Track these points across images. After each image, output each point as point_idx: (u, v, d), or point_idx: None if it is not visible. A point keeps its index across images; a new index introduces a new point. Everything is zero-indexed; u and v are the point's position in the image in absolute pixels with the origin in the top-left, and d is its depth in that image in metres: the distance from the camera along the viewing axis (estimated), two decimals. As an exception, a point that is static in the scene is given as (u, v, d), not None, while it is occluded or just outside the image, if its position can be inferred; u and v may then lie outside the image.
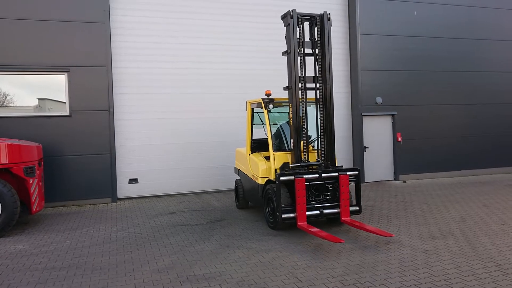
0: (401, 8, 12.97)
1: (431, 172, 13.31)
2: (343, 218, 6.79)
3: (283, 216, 6.61)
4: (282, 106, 8.07)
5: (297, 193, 6.58)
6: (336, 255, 5.73)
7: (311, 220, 6.86)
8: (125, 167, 10.70)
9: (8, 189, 7.13)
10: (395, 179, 13.02)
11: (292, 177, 6.66)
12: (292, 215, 6.66)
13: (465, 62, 13.70)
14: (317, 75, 7.30)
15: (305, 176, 6.70)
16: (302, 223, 6.60)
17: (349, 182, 7.35)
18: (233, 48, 11.55)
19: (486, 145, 14.00)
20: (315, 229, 6.35)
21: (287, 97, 7.38)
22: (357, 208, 7.13)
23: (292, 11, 7.09)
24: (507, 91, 14.25)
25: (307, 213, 6.69)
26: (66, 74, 10.01)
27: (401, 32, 12.98)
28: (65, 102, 10.07)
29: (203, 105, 11.33)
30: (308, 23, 7.38)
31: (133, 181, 10.80)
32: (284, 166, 7.09)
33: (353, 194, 7.37)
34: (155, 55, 10.94)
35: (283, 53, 7.39)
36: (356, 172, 7.16)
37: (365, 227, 6.52)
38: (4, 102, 9.83)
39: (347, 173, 7.06)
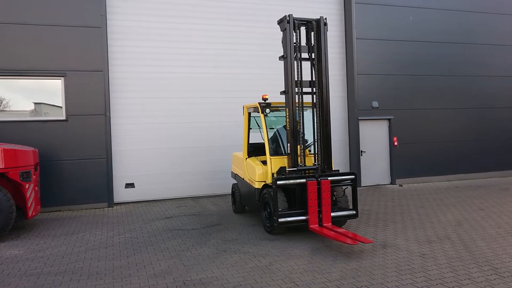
0: (397, 13, 13.06)
1: (427, 176, 13.35)
2: (324, 224, 6.73)
3: (280, 220, 6.61)
4: (279, 110, 8.09)
5: (309, 196, 6.60)
6: (333, 259, 5.73)
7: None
8: (121, 172, 10.68)
9: (4, 193, 7.10)
10: (391, 183, 13.05)
11: (303, 180, 6.71)
12: (289, 219, 6.67)
13: (461, 67, 13.79)
14: (314, 79, 7.33)
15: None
16: (314, 226, 6.62)
17: (346, 186, 7.38)
18: (230, 53, 11.57)
19: (482, 149, 14.07)
20: (326, 231, 6.36)
21: (284, 101, 7.40)
22: (354, 212, 7.13)
23: (289, 16, 7.12)
24: (502, 95, 14.34)
25: (303, 217, 6.71)
26: (62, 78, 10.00)
27: (397, 37, 13.06)
28: (61, 107, 10.06)
29: (200, 110, 11.34)
30: (304, 27, 7.41)
31: (129, 185, 10.77)
32: (281, 170, 7.09)
33: (350, 198, 7.38)
34: (152, 60, 10.95)
35: (280, 58, 7.41)
36: (353, 176, 7.17)
37: (348, 234, 6.35)
38: (0, 106, 9.80)
39: (344, 177, 7.10)
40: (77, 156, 10.05)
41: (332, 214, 6.86)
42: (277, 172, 7.17)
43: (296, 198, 7.05)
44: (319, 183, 6.75)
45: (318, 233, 6.52)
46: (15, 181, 7.43)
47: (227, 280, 5.06)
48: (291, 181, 6.77)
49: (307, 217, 6.67)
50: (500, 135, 14.33)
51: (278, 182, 6.65)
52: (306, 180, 6.68)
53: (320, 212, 6.75)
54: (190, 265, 5.64)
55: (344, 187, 7.44)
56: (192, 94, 11.28)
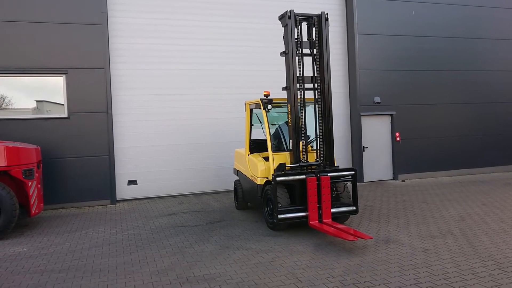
0: (399, 7, 13.00)
1: (430, 171, 13.33)
2: (324, 220, 6.73)
3: (280, 216, 6.60)
4: (281, 106, 8.07)
5: (309, 192, 6.61)
6: (335, 255, 5.73)
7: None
8: (124, 169, 10.69)
9: (7, 191, 7.11)
10: (394, 178, 13.03)
11: (302, 176, 6.71)
12: (289, 215, 6.67)
13: (463, 61, 13.73)
14: (315, 75, 7.31)
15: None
16: (314, 222, 6.62)
17: (346, 182, 7.37)
18: (232, 49, 11.55)
19: (485, 144, 14.03)
20: (326, 227, 6.36)
21: (286, 97, 7.38)
22: (354, 208, 7.12)
23: (290, 11, 7.09)
24: (505, 90, 14.28)
25: (303, 213, 6.71)
26: (64, 76, 10.00)
27: (399, 32, 13.00)
28: (63, 104, 10.06)
29: (202, 106, 11.33)
30: (306, 23, 7.39)
31: (132, 182, 10.79)
32: (280, 167, 7.08)
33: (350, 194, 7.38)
34: (154, 57, 10.94)
35: (281, 54, 7.39)
36: (353, 172, 7.16)
37: (348, 230, 6.30)
38: (2, 104, 9.82)
39: (343, 173, 7.09)
40: (80, 154, 10.06)
41: (332, 210, 6.86)
42: (276, 168, 7.16)
43: (297, 194, 7.06)
44: (319, 179, 6.75)
45: (318, 229, 6.52)
46: (18, 179, 7.45)
47: (230, 276, 5.07)
48: (291, 177, 6.76)
49: (307, 213, 6.67)
50: (503, 130, 14.28)
51: (278, 179, 6.65)
52: (306, 176, 6.67)
53: (320, 208, 6.75)
54: (193, 262, 5.65)
55: (345, 183, 7.43)
56: (194, 91, 11.27)
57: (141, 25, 10.84)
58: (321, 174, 6.79)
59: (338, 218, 7.13)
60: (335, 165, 7.33)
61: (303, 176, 6.73)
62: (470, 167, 13.79)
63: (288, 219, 6.68)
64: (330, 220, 6.77)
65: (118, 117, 10.61)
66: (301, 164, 7.07)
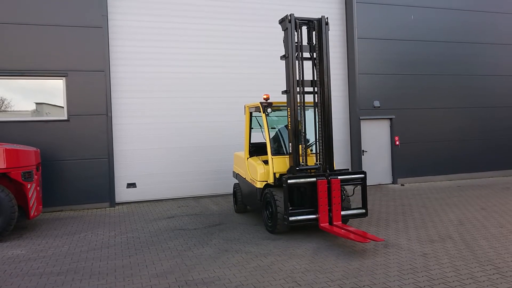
0: (398, 12, 13.04)
1: (429, 175, 13.33)
2: (334, 223, 6.73)
3: (290, 219, 6.56)
4: (280, 110, 8.08)
5: (319, 195, 6.60)
6: (335, 259, 5.73)
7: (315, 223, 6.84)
8: (123, 172, 10.68)
9: (6, 194, 7.11)
10: (393, 182, 13.03)
11: (313, 179, 6.70)
12: (299, 217, 6.64)
13: (462, 66, 13.76)
14: (315, 79, 7.32)
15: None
16: (325, 224, 6.62)
17: (355, 185, 7.36)
18: (231, 52, 11.57)
19: (484, 148, 14.04)
20: (337, 229, 6.36)
21: (285, 101, 7.39)
22: (363, 211, 7.11)
23: (290, 15, 7.11)
24: (504, 94, 14.31)
25: (313, 216, 6.71)
26: (64, 78, 10.01)
27: (398, 36, 13.04)
28: (63, 107, 10.07)
29: (202, 109, 11.34)
30: (306, 27, 7.40)
31: (131, 185, 10.78)
32: (291, 170, 7.07)
33: (352, 197, 7.37)
34: (153, 59, 10.95)
35: (281, 57, 7.40)
36: (362, 175, 7.14)
37: (359, 233, 6.33)
38: (1, 106, 9.82)
39: (354, 176, 7.09)
40: (79, 156, 10.06)
41: (342, 212, 6.85)
42: (287, 171, 7.17)
43: (297, 197, 7.08)
44: (329, 182, 6.74)
45: (328, 232, 6.51)
46: (17, 181, 7.44)
47: (229, 279, 5.06)
48: (302, 180, 6.74)
49: (317, 215, 6.67)
50: (502, 134, 14.30)
51: (289, 181, 6.62)
52: (317, 179, 6.67)
53: (330, 210, 6.74)
54: (192, 265, 5.65)
55: (353, 187, 7.43)
56: (194, 94, 11.28)
57: (142, 28, 10.86)
58: (331, 177, 6.79)
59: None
60: (335, 168, 7.32)
61: (314, 179, 6.71)
62: (469, 172, 13.79)
63: (298, 222, 6.66)
64: (340, 222, 6.78)
65: (117, 120, 10.62)
66: (300, 167, 7.07)
